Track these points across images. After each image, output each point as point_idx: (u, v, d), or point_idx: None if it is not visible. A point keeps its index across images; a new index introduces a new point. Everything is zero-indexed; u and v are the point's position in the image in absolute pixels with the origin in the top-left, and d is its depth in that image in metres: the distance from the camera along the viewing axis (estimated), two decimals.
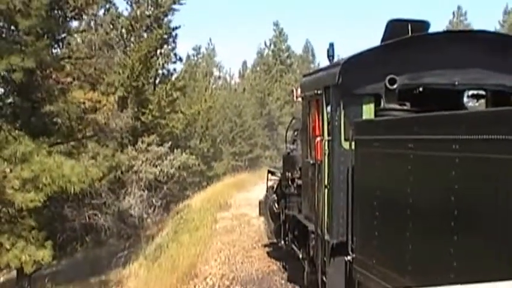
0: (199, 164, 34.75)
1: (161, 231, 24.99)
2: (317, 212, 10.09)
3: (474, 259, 5.46)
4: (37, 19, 16.95)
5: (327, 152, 9.64)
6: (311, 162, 10.61)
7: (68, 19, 20.94)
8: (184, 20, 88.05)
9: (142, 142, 29.52)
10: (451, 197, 5.81)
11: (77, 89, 19.89)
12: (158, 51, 32.23)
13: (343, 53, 13.50)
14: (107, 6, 31.25)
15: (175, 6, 32.85)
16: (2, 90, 19.17)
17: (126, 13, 33.18)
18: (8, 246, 15.99)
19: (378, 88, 9.15)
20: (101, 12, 30.77)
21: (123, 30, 31.76)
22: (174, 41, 33.86)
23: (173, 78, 34.90)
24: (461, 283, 3.02)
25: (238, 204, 25.87)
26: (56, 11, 19.89)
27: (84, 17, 23.09)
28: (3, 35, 17.99)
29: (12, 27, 17.82)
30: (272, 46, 62.34)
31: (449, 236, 5.80)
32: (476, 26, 50.56)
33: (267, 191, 16.73)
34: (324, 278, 9.98)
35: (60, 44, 21.36)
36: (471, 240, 5.51)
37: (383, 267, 7.66)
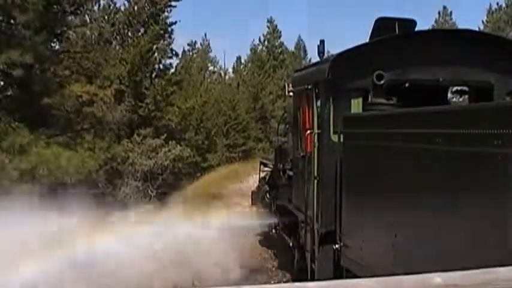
0: (194, 156, 34.96)
1: None
2: (307, 202, 10.38)
3: (455, 247, 5.74)
4: (34, 14, 17.09)
5: (316, 145, 9.95)
6: (301, 154, 10.91)
7: (66, 14, 21.07)
8: (180, 15, 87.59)
9: (138, 135, 29.72)
10: (435, 188, 6.10)
11: (74, 83, 20.07)
12: (155, 47, 32.34)
13: (333, 49, 13.76)
14: (105, 1, 31.46)
15: (172, 3, 32.92)
16: (2, 83, 19.33)
17: (123, 8, 33.36)
18: None
19: (366, 83, 9.46)
20: (98, 7, 30.98)
21: (120, 26, 31.90)
22: (170, 36, 34.01)
23: (170, 73, 35.04)
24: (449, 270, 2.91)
25: (231, 194, 25.95)
26: (54, 6, 20.00)
27: (82, 11, 23.19)
28: (2, 29, 18.15)
29: (12, 22, 17.95)
30: (266, 42, 62.45)
31: (432, 226, 6.07)
32: (461, 25, 50.73)
33: (259, 182, 16.99)
34: (313, 265, 10.29)
35: (59, 38, 21.50)
36: (452, 230, 5.79)
37: (370, 255, 7.96)
